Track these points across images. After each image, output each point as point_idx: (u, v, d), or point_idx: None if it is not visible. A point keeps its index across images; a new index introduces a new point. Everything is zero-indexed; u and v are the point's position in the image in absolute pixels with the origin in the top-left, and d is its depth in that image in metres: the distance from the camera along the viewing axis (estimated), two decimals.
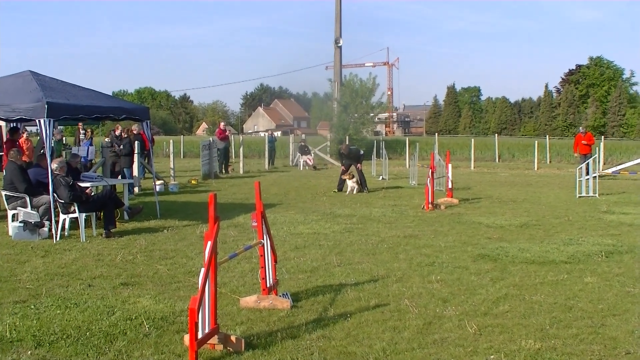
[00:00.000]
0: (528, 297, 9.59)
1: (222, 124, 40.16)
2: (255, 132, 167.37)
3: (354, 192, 25.03)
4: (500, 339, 7.75)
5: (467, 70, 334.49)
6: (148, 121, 18.72)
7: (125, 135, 25.63)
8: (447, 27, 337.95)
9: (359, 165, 26.17)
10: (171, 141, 35.26)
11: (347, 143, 28.20)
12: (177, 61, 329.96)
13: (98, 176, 18.59)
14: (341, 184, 25.92)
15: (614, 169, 35.81)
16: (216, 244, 7.08)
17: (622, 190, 27.77)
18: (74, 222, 14.89)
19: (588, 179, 24.89)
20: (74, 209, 14.61)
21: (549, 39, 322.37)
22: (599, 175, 27.22)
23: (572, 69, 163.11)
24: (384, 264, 11.91)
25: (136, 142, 25.40)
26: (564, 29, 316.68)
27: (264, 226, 8.82)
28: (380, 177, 33.41)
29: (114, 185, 18.94)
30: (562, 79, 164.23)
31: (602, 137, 63.35)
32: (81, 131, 31.89)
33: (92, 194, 16.00)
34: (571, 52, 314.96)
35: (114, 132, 26.28)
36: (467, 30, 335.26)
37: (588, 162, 25.57)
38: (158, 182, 23.56)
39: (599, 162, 33.04)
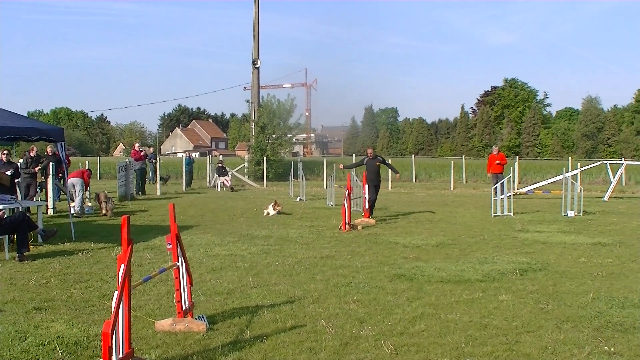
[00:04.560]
0: (444, 316, 9.66)
1: (136, 144, 39.73)
2: (173, 153, 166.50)
3: (269, 215, 24.90)
4: (417, 358, 7.78)
5: (384, 91, 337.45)
6: (63, 142, 18.46)
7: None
8: (364, 48, 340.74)
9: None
10: (87, 162, 34.94)
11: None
12: (94, 81, 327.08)
13: (11, 198, 18.26)
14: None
15: (528, 188, 36.43)
16: (129, 267, 6.99)
17: (536, 209, 28.25)
18: None
19: (503, 198, 25.25)
20: None
21: (465, 61, 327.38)
22: (513, 195, 27.65)
23: (488, 91, 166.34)
24: (300, 285, 11.89)
25: (50, 163, 25.05)
26: (479, 52, 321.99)
27: (179, 248, 8.75)
28: (298, 198, 33.39)
29: (28, 207, 18.64)
30: (478, 100, 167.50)
31: (517, 157, 64.38)
32: None
33: (5, 216, 15.69)
34: (486, 74, 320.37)
35: (29, 153, 25.84)
36: (385, 52, 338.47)
37: (503, 182, 25.92)
38: (73, 204, 23.23)
39: (513, 181, 33.51)
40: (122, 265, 6.89)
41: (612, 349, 8.12)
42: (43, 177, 26.26)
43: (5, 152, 20.91)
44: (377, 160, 24.60)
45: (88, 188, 26.49)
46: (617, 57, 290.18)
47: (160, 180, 42.27)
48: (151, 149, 47.90)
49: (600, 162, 41.83)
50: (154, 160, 43.80)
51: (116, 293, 6.78)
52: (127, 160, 36.11)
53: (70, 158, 30.24)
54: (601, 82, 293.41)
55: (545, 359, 7.79)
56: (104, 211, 24.33)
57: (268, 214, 24.92)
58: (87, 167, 27.39)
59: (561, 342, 8.39)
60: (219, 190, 42.85)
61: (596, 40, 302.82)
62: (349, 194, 20.91)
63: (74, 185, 23.91)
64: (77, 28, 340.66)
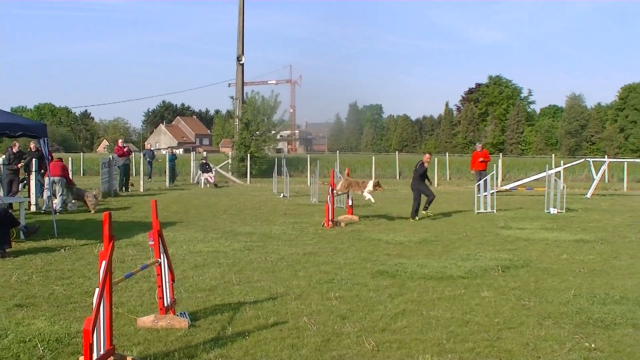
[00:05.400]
0: (426, 313, 9.68)
1: (120, 141, 39.71)
2: (157, 149, 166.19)
3: (370, 200, 22.95)
4: (398, 355, 7.80)
5: (369, 88, 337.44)
6: (46, 138, 18.38)
7: None
8: (350, 46, 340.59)
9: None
10: (70, 159, 34.80)
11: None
12: (78, 77, 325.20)
13: None
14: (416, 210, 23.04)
15: (511, 185, 36.48)
16: (111, 264, 6.97)
17: (519, 205, 28.36)
18: None
19: (486, 195, 25.33)
20: None
21: (449, 58, 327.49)
22: (496, 192, 27.73)
23: (472, 88, 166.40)
24: (283, 281, 11.89)
25: (33, 159, 24.96)
26: (464, 49, 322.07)
27: (160, 245, 8.73)
28: (282, 194, 33.36)
29: (10, 203, 18.57)
30: (463, 97, 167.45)
31: (501, 154, 64.57)
32: None
33: None
34: (471, 72, 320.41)
35: (12, 149, 25.74)
36: (370, 49, 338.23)
37: (486, 179, 25.98)
38: (55, 201, 23.16)
39: (497, 178, 33.59)
40: (104, 262, 6.88)
41: (593, 345, 8.17)
42: (26, 174, 26.18)
43: None
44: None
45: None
46: (601, 55, 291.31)
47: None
48: (149, 146, 48.14)
49: (584, 159, 42.01)
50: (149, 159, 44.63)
51: (97, 290, 6.77)
52: (110, 156, 36.04)
53: (53, 154, 30.07)
54: (585, 80, 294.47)
55: (527, 355, 7.82)
56: (90, 206, 24.31)
57: (371, 196, 22.70)
58: (57, 158, 27.18)
59: (542, 339, 8.44)
60: (202, 186, 42.79)
61: (580, 38, 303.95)
62: (332, 190, 20.92)
63: (54, 183, 23.78)
64: (61, 23, 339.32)
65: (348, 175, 23.33)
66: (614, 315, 9.61)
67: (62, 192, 24.04)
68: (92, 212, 23.84)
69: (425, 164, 23.28)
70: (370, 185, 22.43)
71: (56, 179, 23.74)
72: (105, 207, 25.83)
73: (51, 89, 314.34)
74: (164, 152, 69.92)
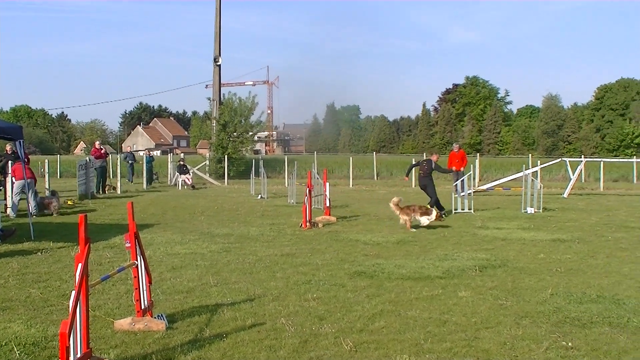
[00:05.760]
0: (403, 313, 9.68)
1: (97, 142, 39.52)
2: (135, 151, 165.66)
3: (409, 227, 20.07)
4: (376, 355, 7.80)
5: (346, 89, 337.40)
6: (21, 140, 18.26)
7: None
8: (327, 46, 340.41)
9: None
10: (46, 161, 34.61)
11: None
12: (55, 79, 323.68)
13: None
14: (438, 204, 23.53)
15: (488, 185, 36.62)
16: (87, 266, 6.93)
17: (496, 205, 28.43)
18: None
19: (463, 195, 25.39)
20: None
21: (427, 59, 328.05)
22: (474, 192, 27.79)
23: (449, 88, 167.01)
24: (260, 283, 11.87)
25: (9, 162, 24.80)
26: (441, 50, 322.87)
27: (137, 247, 8.69)
28: (259, 196, 33.31)
29: None
30: (440, 97, 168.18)
31: (478, 154, 64.77)
32: None
33: None
34: (448, 72, 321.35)
35: None
36: (347, 49, 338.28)
37: (463, 179, 26.03)
38: (32, 204, 23.03)
39: (474, 178, 33.65)
40: (80, 265, 6.84)
41: (570, 344, 8.20)
42: (2, 176, 26.02)
43: None
44: None
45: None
46: (577, 55, 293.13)
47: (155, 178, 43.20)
48: (129, 149, 48.07)
49: (560, 159, 42.16)
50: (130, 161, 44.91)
51: (74, 292, 6.73)
52: (87, 158, 35.87)
53: (29, 156, 29.90)
54: (562, 80, 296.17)
55: (504, 355, 7.84)
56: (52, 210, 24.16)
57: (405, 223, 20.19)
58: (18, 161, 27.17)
59: (519, 338, 8.46)
60: (180, 188, 42.67)
61: (557, 39, 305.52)
62: (309, 191, 20.91)
63: (28, 186, 23.55)
64: (37, 25, 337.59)
65: (398, 205, 20.44)
66: (590, 314, 9.65)
67: (35, 194, 23.88)
68: (54, 214, 23.77)
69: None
70: (434, 214, 20.30)
71: (29, 181, 23.59)
72: (81, 209, 25.72)
73: (28, 90, 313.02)
74: (141, 153, 69.78)
